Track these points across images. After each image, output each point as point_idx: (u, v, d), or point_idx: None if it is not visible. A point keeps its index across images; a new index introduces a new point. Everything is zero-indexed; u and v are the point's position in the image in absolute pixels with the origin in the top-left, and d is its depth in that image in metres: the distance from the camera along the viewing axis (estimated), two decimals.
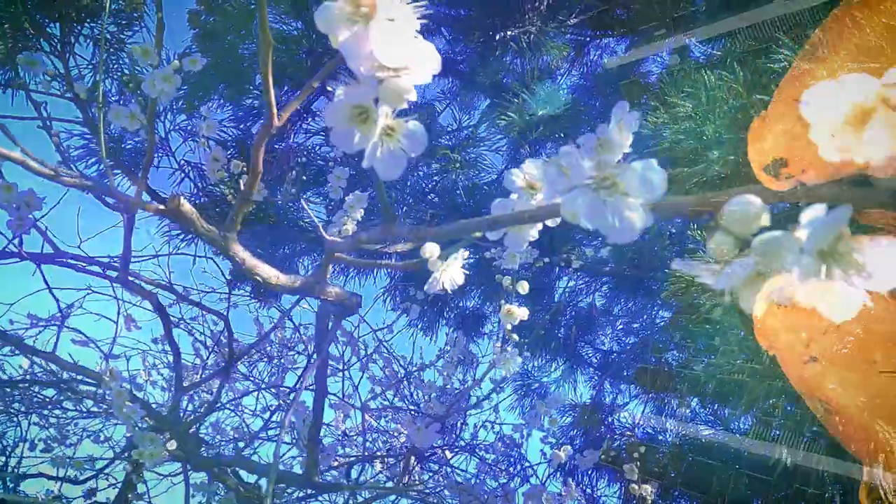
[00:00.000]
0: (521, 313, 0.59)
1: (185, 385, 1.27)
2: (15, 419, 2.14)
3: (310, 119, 1.88)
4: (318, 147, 1.95)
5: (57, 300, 1.24)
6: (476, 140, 2.00)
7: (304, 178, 1.79)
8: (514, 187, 0.35)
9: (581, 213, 0.21)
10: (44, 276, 0.96)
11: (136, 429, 0.87)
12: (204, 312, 2.05)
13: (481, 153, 2.01)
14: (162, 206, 0.52)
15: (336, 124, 0.25)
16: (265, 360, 2.13)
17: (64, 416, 2.20)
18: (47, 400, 2.13)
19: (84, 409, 2.12)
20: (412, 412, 1.29)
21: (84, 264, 0.94)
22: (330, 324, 0.93)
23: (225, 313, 1.22)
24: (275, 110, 0.38)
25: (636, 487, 1.17)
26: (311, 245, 2.09)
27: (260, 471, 1.19)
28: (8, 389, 2.10)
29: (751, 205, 0.20)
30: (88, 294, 1.74)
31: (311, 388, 1.11)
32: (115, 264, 0.93)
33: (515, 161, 2.26)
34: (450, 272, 0.37)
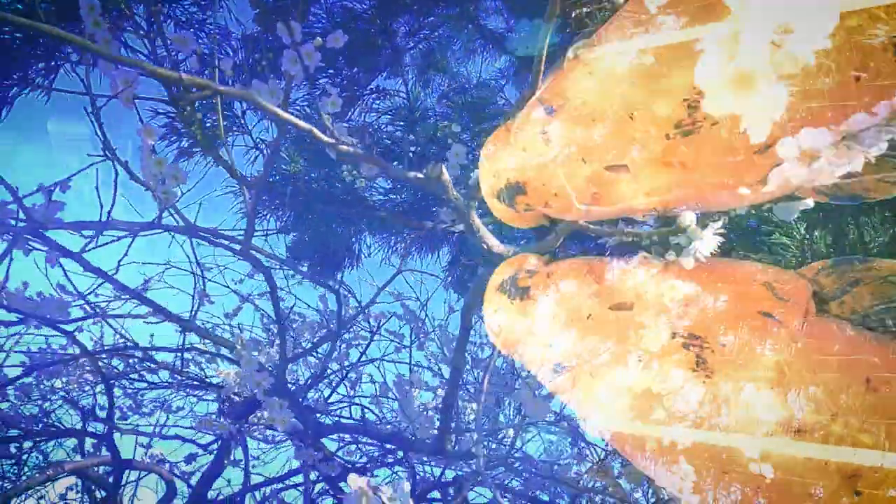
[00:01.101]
0: None
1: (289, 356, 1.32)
2: (91, 389, 2.24)
3: (379, 99, 1.90)
4: (384, 126, 1.97)
5: (194, 274, 1.30)
6: None
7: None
8: None
9: None
10: (193, 249, 1.01)
11: (265, 394, 0.92)
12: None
13: None
14: (420, 175, 0.55)
15: None
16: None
17: (131, 386, 2.29)
18: (118, 371, 2.23)
19: (154, 381, 2.21)
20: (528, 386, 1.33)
21: (212, 236, 0.98)
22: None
23: (337, 287, 1.26)
24: (539, 81, 0.40)
25: None
26: (375, 223, 2.12)
27: (383, 439, 1.24)
28: (81, 361, 2.20)
29: None
30: (168, 268, 1.80)
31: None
32: (240, 238, 0.97)
33: None
34: (707, 240, 0.39)
